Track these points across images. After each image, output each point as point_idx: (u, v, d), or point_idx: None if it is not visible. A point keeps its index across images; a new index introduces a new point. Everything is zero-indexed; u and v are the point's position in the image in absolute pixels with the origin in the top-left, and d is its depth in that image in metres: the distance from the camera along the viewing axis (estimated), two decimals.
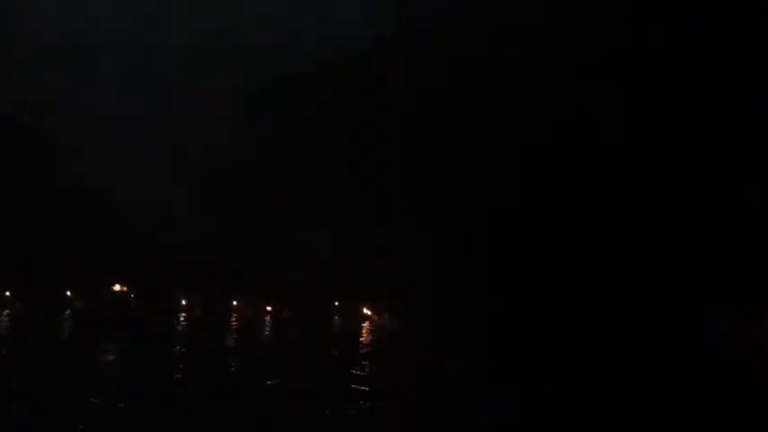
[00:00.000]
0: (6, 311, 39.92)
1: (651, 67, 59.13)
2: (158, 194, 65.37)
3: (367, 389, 15.94)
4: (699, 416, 16.90)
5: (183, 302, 44.67)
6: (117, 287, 40.63)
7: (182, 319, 40.45)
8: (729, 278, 44.22)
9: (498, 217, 61.61)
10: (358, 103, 71.69)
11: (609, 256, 50.76)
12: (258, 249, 60.86)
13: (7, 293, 50.28)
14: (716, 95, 54.37)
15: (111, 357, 21.33)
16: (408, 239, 63.17)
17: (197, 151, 70.31)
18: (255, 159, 73.12)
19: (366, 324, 44.03)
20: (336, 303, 57.14)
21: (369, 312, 52.12)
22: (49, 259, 54.76)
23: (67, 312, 38.66)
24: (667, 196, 53.73)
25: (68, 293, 46.55)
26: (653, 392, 19.28)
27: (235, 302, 51.91)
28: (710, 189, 52.13)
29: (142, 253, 54.26)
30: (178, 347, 23.59)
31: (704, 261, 47.10)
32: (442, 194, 66.71)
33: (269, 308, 51.66)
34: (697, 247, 48.98)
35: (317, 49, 71.77)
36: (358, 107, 72.09)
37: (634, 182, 55.97)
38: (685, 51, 58.09)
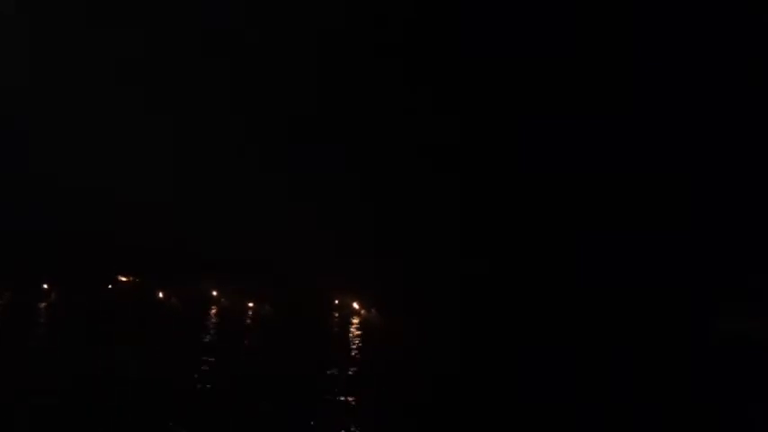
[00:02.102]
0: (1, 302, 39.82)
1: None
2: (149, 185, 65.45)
3: None
4: (699, 414, 16.84)
5: (161, 294, 43.58)
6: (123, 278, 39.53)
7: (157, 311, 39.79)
8: (730, 279, 44.33)
9: (495, 215, 61.55)
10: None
11: (609, 256, 50.63)
12: (244, 240, 60.66)
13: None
14: (717, 95, 54.53)
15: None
16: (402, 237, 63.09)
17: (193, 143, 70.69)
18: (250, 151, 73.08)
19: (355, 321, 43.53)
20: (325, 298, 56.88)
21: (357, 307, 51.85)
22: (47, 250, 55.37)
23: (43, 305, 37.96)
24: (667, 196, 53.76)
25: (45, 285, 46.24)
26: (653, 393, 19.20)
27: (215, 293, 51.37)
28: (711, 190, 52.22)
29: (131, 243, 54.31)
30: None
31: (706, 262, 47.14)
32: (437, 193, 66.62)
33: (251, 303, 51.10)
34: (698, 248, 49.04)
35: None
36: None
37: (634, 182, 55.96)
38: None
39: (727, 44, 53.19)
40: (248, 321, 39.34)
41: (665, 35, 58.17)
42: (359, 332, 34.99)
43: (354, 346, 27.58)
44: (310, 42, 65.08)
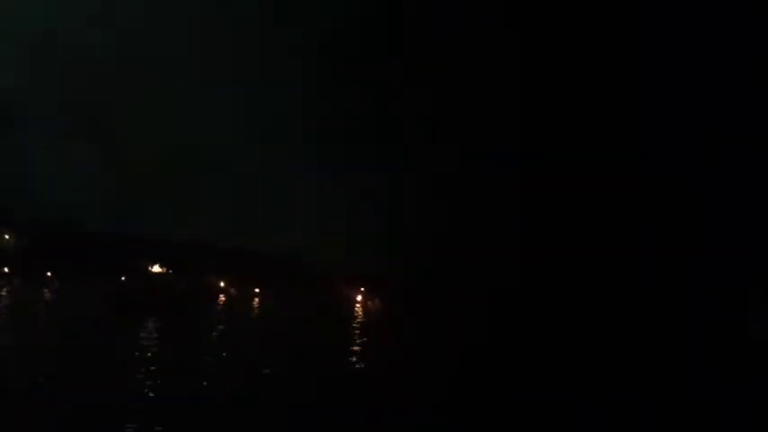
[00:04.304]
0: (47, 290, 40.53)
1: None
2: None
3: None
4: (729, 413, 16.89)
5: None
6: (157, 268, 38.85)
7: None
8: (761, 281, 43.56)
9: (503, 210, 61.28)
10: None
11: (641, 258, 49.75)
12: (254, 233, 60.95)
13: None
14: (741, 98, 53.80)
15: None
16: (411, 226, 63.13)
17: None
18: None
19: (359, 311, 43.56)
20: (328, 286, 56.87)
21: (360, 297, 52.06)
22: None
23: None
24: (696, 199, 52.85)
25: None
26: (683, 393, 19.25)
27: (222, 284, 51.11)
28: (740, 194, 51.33)
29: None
30: None
31: (736, 265, 46.27)
32: (448, 185, 66.55)
33: (257, 289, 51.00)
34: (729, 251, 48.09)
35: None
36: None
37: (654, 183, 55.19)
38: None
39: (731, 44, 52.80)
40: (255, 310, 39.31)
41: (667, 36, 57.69)
42: (361, 321, 35.13)
43: (357, 333, 27.77)
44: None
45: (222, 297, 44.53)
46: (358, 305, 47.44)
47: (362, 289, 52.87)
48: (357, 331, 29.06)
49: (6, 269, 55.42)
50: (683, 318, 40.17)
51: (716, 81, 52.35)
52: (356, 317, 37.92)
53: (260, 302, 44.48)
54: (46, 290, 42.05)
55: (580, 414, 14.56)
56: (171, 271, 37.91)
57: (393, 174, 71.08)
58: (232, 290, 48.28)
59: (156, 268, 36.60)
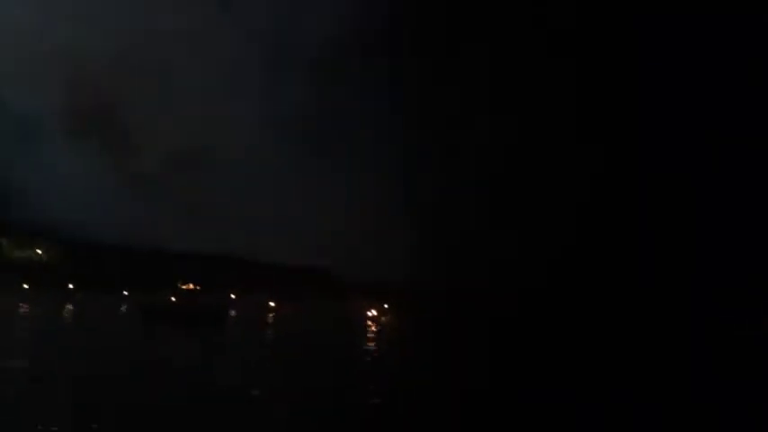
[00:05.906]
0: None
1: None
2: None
3: None
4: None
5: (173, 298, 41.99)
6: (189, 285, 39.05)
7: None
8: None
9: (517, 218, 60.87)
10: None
11: (656, 257, 48.86)
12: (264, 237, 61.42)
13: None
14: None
15: None
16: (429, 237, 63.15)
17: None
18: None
19: (372, 325, 43.26)
20: (344, 299, 56.78)
21: (375, 312, 51.69)
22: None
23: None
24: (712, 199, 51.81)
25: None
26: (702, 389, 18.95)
27: (233, 296, 50.81)
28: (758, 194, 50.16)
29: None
30: None
31: (755, 263, 45.19)
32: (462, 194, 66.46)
33: (272, 303, 50.83)
34: (745, 249, 46.98)
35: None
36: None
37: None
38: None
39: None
40: (270, 327, 39.27)
41: (667, 36, 56.87)
42: (375, 336, 34.98)
43: (371, 348, 27.65)
44: None
45: (234, 312, 44.68)
46: (372, 322, 47.01)
47: (386, 305, 52.58)
48: (373, 349, 28.79)
49: (26, 285, 56.55)
50: (688, 317, 39.38)
51: (716, 81, 51.48)
52: (371, 332, 37.67)
53: (275, 317, 44.49)
54: (69, 304, 42.96)
55: (580, 414, 14.39)
56: (198, 287, 38.04)
57: (395, 178, 71.25)
58: (243, 304, 48.35)
59: (189, 285, 36.91)
